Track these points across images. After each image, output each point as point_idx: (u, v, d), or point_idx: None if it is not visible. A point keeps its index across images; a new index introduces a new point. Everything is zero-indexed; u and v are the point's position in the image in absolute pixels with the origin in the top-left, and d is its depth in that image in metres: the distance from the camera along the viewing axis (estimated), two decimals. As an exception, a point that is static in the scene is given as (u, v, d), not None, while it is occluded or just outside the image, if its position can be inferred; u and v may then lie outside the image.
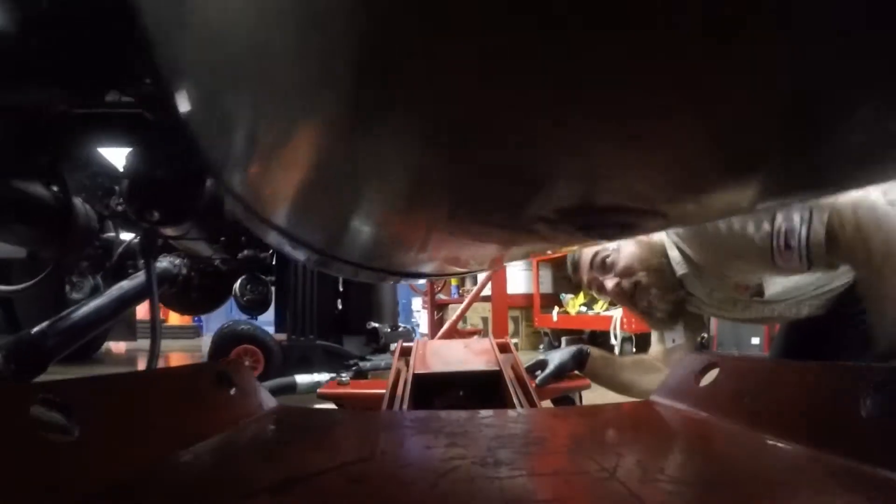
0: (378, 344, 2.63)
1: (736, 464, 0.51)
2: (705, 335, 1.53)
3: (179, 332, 6.52)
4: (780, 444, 0.53)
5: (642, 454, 0.58)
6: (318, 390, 1.29)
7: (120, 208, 1.32)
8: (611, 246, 1.22)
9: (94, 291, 2.10)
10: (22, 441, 0.37)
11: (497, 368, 1.05)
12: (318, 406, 1.33)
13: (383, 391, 1.03)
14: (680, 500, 0.42)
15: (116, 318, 1.68)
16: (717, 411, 0.67)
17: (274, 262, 2.42)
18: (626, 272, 1.23)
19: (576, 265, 1.39)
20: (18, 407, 0.38)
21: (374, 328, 2.53)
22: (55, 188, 1.22)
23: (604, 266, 1.26)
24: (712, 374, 0.73)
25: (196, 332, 7.11)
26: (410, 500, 0.42)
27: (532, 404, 0.93)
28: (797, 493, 0.43)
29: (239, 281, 2.38)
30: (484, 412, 0.79)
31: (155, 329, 1.35)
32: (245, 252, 2.15)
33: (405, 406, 0.90)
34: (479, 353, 1.20)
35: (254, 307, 2.46)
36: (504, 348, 1.23)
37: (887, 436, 0.44)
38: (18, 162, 1.10)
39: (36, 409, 0.40)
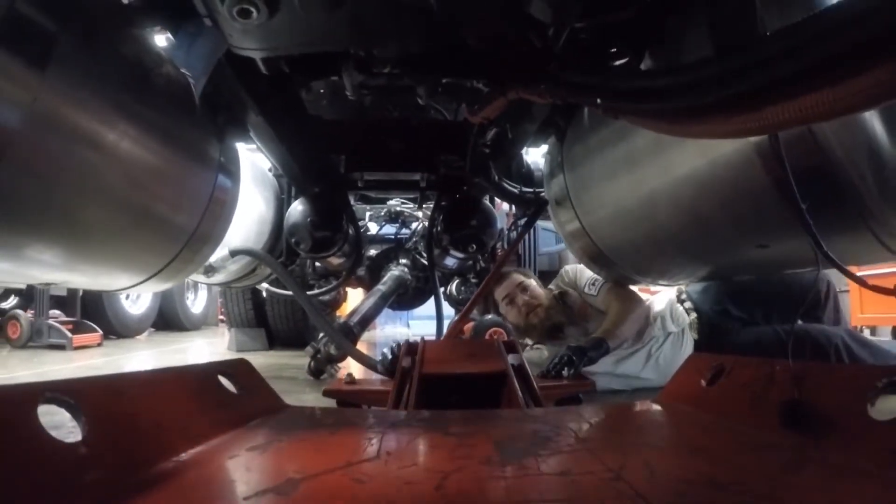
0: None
1: (741, 463, 0.51)
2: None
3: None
4: (785, 444, 0.52)
5: (648, 454, 0.58)
6: (324, 388, 1.29)
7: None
8: (526, 279, 2.19)
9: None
10: (29, 439, 0.37)
11: (503, 368, 1.05)
12: (324, 405, 1.33)
13: (389, 390, 1.03)
14: (685, 499, 0.42)
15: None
16: (721, 411, 0.66)
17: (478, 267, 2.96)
18: (534, 295, 2.14)
19: (499, 282, 2.26)
20: (27, 405, 0.39)
21: None
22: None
23: (523, 288, 2.15)
24: (718, 375, 0.73)
25: (362, 325, 7.62)
26: (416, 500, 0.42)
27: (538, 404, 0.93)
28: (802, 492, 0.43)
29: (454, 283, 3.02)
30: (490, 412, 0.79)
31: (440, 319, 2.13)
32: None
33: (411, 405, 0.90)
34: (486, 352, 1.19)
35: (464, 304, 2.94)
36: (511, 348, 1.22)
37: (893, 435, 0.43)
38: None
39: (44, 408, 0.40)
